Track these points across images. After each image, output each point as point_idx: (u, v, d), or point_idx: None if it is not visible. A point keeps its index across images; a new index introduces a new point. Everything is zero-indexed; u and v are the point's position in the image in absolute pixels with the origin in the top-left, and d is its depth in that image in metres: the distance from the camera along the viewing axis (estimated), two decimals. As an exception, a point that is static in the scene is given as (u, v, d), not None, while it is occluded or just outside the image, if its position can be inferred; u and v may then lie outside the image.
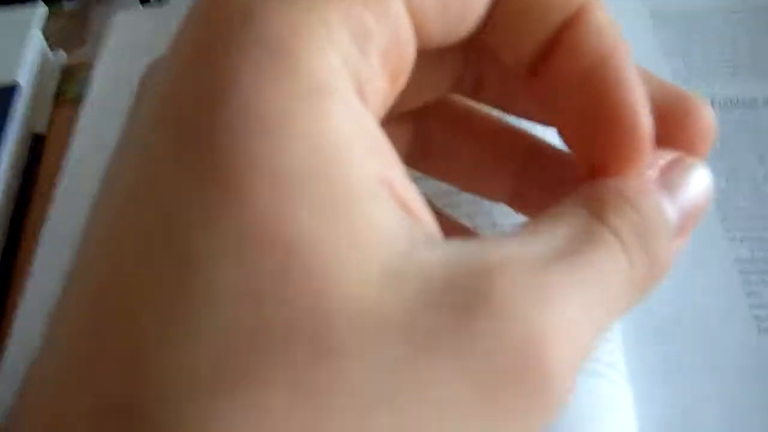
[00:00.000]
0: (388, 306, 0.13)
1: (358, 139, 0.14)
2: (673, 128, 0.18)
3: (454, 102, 0.22)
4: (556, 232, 0.15)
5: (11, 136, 0.41)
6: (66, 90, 0.46)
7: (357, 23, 0.15)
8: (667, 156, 0.18)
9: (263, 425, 0.12)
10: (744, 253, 0.34)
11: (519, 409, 0.13)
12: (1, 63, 0.43)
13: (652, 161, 0.18)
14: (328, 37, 0.14)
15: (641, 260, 0.16)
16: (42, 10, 0.46)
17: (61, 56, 0.47)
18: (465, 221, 0.28)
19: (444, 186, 0.24)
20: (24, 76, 0.43)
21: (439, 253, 0.14)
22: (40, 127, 0.44)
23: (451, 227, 0.24)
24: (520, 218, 0.24)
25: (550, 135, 0.21)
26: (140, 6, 0.49)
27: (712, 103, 0.40)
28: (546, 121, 0.20)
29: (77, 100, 0.44)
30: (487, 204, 0.29)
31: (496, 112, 0.22)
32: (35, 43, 0.45)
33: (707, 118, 0.19)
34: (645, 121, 0.17)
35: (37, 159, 0.43)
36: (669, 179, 0.18)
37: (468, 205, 0.31)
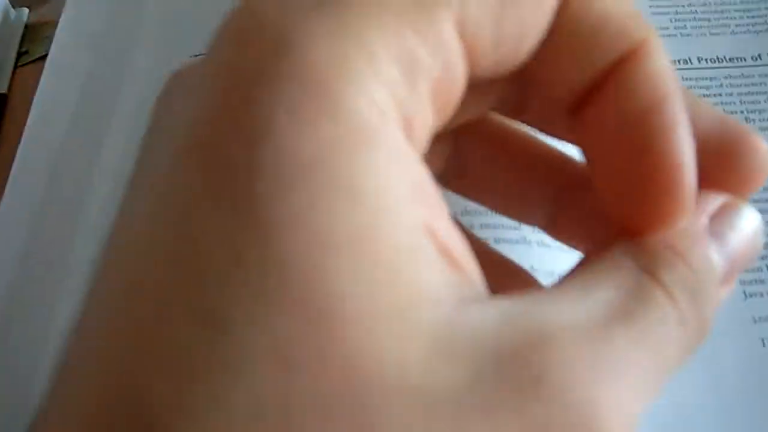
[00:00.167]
0: (434, 383, 0.12)
1: (402, 186, 0.13)
2: (723, 165, 0.17)
3: (493, 121, 0.21)
4: (608, 289, 0.15)
5: (-30, 95, 0.39)
6: (30, 50, 0.44)
7: (406, 52, 0.13)
8: (716, 200, 0.17)
9: None
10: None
11: None
12: (-41, 20, 0.42)
13: (702, 207, 0.16)
14: (373, 69, 0.13)
15: (693, 320, 0.15)
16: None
17: (24, 13, 0.46)
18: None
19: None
20: (-16, 34, 0.41)
21: (488, 317, 0.13)
22: (2, 87, 0.42)
23: (481, 251, 0.22)
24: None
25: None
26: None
27: (699, 61, 0.38)
28: (587, 159, 0.18)
29: (43, 60, 0.42)
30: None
31: (538, 134, 0.21)
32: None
33: (764, 155, 0.17)
34: (689, 181, 0.15)
35: (0, 119, 0.41)
36: (718, 225, 0.16)
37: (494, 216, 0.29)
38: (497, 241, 0.29)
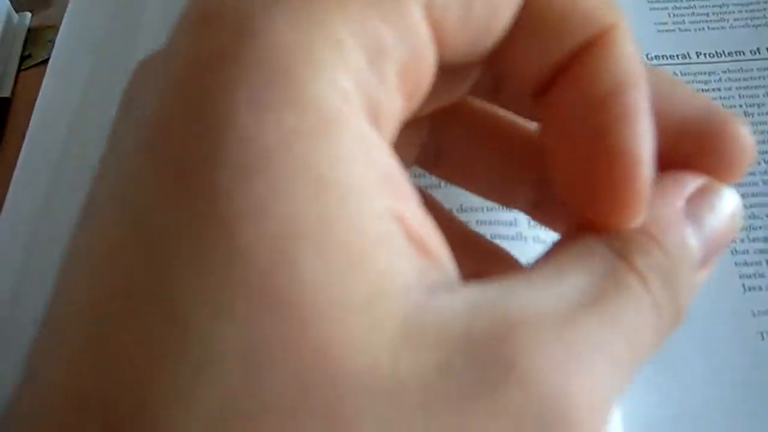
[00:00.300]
0: (403, 371, 0.12)
1: (368, 173, 0.12)
2: (703, 149, 0.17)
3: (471, 105, 0.21)
4: (580, 274, 0.14)
5: (-27, 100, 0.39)
6: (33, 53, 0.45)
7: (372, 38, 0.13)
8: (694, 182, 0.16)
9: None
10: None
11: None
12: (-38, 25, 0.42)
13: (680, 189, 0.16)
14: (339, 56, 0.13)
15: (667, 305, 0.15)
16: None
17: (26, 17, 0.46)
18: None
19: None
20: (-14, 38, 0.42)
21: (458, 304, 0.13)
22: (5, 91, 0.43)
23: (466, 238, 0.22)
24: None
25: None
26: (108, -35, 0.48)
27: (698, 56, 0.38)
28: (546, 145, 0.18)
29: (46, 64, 0.43)
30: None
31: (518, 118, 0.20)
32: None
33: (744, 141, 0.17)
34: (643, 176, 0.15)
35: (3, 123, 0.41)
36: (695, 208, 0.16)
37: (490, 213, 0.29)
38: (493, 237, 0.29)
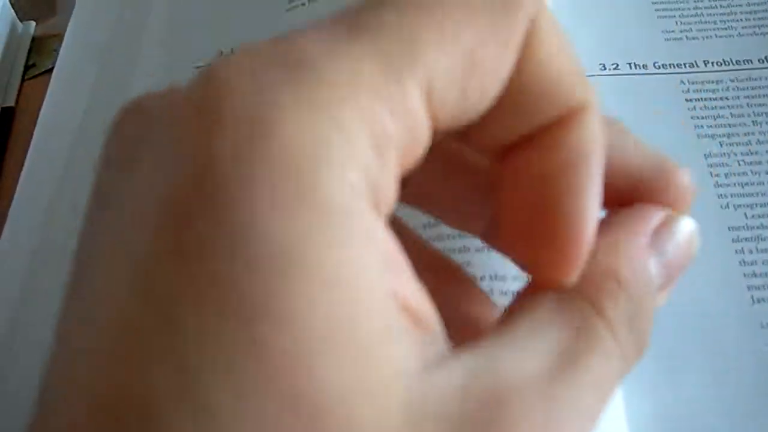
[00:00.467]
0: None
1: (374, 266, 0.13)
2: (655, 191, 0.19)
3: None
4: (555, 330, 0.16)
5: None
6: (37, 62, 0.45)
7: (379, 127, 0.14)
8: (656, 215, 0.19)
9: None
10: (738, 221, 0.33)
11: None
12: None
13: (645, 225, 0.18)
14: (348, 150, 0.13)
15: (632, 349, 0.17)
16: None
17: (31, 27, 0.46)
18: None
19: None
20: (-9, 48, 0.42)
21: (451, 380, 0.14)
22: (10, 100, 0.42)
23: (426, 255, 0.23)
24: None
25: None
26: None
27: (706, 65, 0.38)
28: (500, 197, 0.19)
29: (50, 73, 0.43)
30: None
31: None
32: (2, 13, 0.43)
33: (684, 181, 0.20)
34: (585, 240, 0.17)
35: (8, 132, 0.41)
36: (659, 238, 0.18)
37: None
38: (465, 249, 0.28)
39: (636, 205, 0.19)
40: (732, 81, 0.37)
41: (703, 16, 0.40)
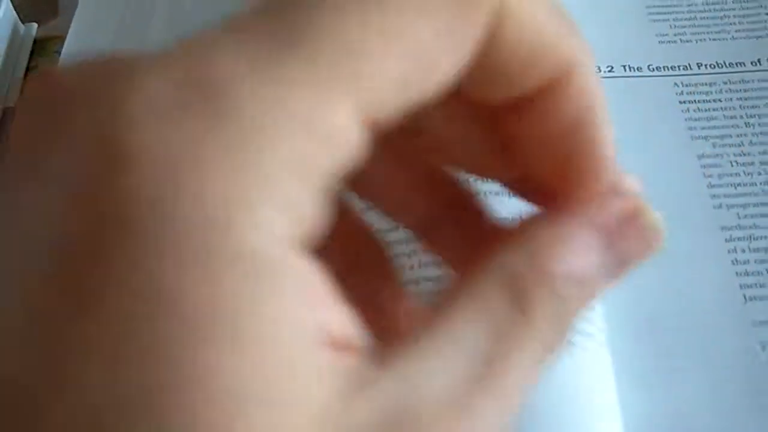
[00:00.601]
0: None
1: (295, 306, 0.13)
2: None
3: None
4: (475, 334, 0.15)
5: (-20, 110, 0.40)
6: (39, 64, 0.45)
7: (302, 160, 0.13)
8: (610, 206, 0.18)
9: None
10: (730, 221, 0.33)
11: None
12: (-31, 36, 0.42)
13: (592, 216, 0.18)
14: (269, 194, 0.13)
15: (555, 341, 0.16)
16: (12, -19, 0.45)
17: (33, 28, 0.46)
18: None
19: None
20: (-7, 49, 0.42)
21: (373, 406, 0.14)
22: (11, 101, 0.43)
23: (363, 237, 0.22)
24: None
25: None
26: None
27: (699, 67, 0.39)
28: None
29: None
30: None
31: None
32: (5, 14, 0.44)
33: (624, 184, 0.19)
34: (611, 167, 0.17)
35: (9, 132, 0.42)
36: (609, 230, 0.17)
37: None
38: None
39: (588, 194, 0.18)
40: (725, 83, 0.38)
41: (696, 19, 0.41)
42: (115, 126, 0.12)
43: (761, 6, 0.41)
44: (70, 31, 0.44)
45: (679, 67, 0.39)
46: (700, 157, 0.35)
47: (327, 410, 0.13)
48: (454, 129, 0.20)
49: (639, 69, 0.39)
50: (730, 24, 0.40)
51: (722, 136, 0.36)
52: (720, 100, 0.37)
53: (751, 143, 0.35)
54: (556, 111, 0.16)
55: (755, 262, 0.32)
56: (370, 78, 0.14)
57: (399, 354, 0.15)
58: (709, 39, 0.40)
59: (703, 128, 0.36)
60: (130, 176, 0.12)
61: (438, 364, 0.15)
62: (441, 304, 0.16)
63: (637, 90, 0.38)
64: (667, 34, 0.40)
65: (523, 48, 0.15)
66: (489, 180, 0.22)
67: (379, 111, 0.14)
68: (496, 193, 0.21)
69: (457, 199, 0.21)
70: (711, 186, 0.34)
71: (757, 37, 0.40)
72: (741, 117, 0.36)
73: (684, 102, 0.37)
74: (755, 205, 0.33)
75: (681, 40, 0.40)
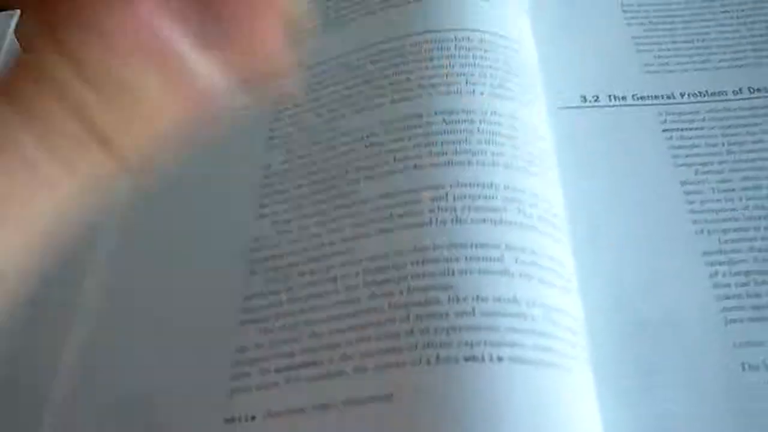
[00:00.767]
0: None
1: None
2: None
3: None
4: None
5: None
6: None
7: None
8: None
9: None
10: (712, 246, 0.34)
11: None
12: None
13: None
14: None
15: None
16: (16, 14, 0.46)
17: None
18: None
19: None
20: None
21: None
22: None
23: None
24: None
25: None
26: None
27: (683, 96, 0.40)
28: None
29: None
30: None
31: None
32: (9, 47, 0.45)
33: None
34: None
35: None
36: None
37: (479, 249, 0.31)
38: (481, 272, 0.30)
39: None
40: (708, 112, 0.39)
41: (680, 49, 0.42)
42: None
43: (743, 36, 0.42)
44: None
45: (663, 96, 0.40)
46: (683, 183, 0.36)
47: None
48: None
49: (624, 98, 0.40)
50: (713, 54, 0.41)
51: (705, 164, 0.37)
52: (703, 128, 0.38)
53: (732, 170, 0.36)
54: None
55: (736, 285, 0.33)
56: None
57: None
58: (693, 69, 0.41)
59: (687, 156, 0.37)
60: None
61: None
62: None
63: (622, 119, 0.39)
64: (652, 64, 0.41)
65: None
66: None
67: None
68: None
69: None
70: (693, 212, 0.35)
71: (739, 66, 0.41)
72: (723, 145, 0.37)
73: (667, 130, 0.38)
74: (736, 230, 0.34)
75: (665, 71, 0.41)
